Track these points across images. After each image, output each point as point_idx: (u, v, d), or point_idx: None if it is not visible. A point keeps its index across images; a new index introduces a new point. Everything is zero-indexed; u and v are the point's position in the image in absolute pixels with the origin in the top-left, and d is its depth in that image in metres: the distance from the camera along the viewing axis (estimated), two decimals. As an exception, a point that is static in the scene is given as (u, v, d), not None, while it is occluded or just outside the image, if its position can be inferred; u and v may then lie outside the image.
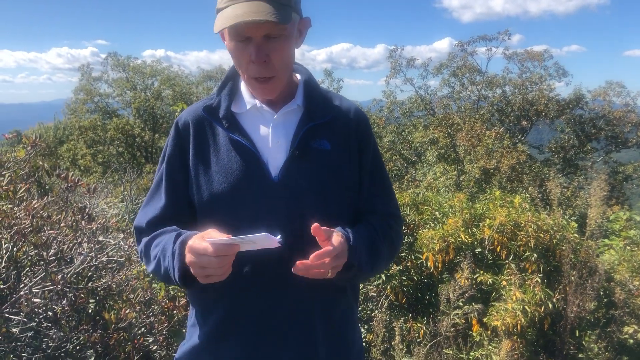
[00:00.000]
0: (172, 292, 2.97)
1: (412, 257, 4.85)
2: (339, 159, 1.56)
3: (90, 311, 2.67)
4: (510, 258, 4.51)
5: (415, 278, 4.79)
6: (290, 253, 1.39)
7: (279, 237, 1.26)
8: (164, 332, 2.78)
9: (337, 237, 1.37)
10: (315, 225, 1.32)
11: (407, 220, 5.22)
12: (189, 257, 1.33)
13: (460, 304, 4.10)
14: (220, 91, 1.61)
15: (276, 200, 1.48)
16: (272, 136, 1.54)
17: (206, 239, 1.28)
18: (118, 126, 26.24)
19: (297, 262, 1.31)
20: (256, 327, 1.51)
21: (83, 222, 2.76)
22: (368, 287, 4.61)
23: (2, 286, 2.44)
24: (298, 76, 1.66)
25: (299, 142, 1.52)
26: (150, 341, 2.76)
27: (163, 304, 2.83)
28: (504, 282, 4.24)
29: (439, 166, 15.11)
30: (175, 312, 2.83)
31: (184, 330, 2.96)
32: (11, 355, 2.27)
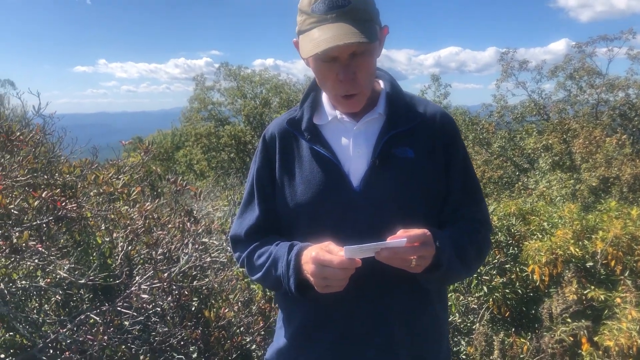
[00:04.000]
0: (268, 294, 3.07)
1: (517, 269, 4.63)
2: (423, 166, 1.53)
3: (193, 309, 2.82)
4: (626, 274, 4.18)
5: (519, 291, 4.57)
6: (371, 262, 1.39)
7: (404, 239, 1.29)
8: (261, 332, 2.88)
9: (421, 229, 1.35)
10: (401, 230, 1.32)
11: (512, 230, 5.00)
12: (310, 268, 1.38)
13: (569, 320, 3.86)
14: (303, 103, 1.65)
15: (358, 210, 1.49)
16: (352, 146, 1.55)
17: (343, 247, 1.32)
18: (231, 133, 27.53)
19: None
20: (339, 330, 1.53)
21: (189, 224, 2.93)
22: (469, 298, 4.47)
23: (117, 281, 2.65)
24: (381, 83, 1.65)
25: (380, 151, 1.51)
26: (247, 340, 2.87)
27: (260, 304, 2.93)
28: (618, 300, 3.92)
29: (554, 174, 14.27)
30: (271, 313, 2.92)
31: (279, 332, 3.06)
32: (122, 346, 2.46)
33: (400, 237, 1.31)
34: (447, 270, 1.44)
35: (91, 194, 2.91)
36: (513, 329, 4.43)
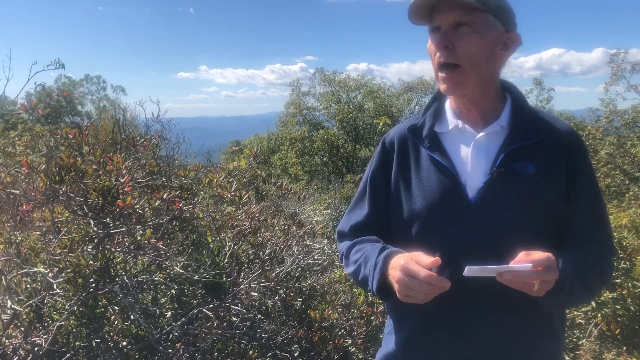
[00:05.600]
0: (370, 298, 3.12)
1: (629, 284, 4.36)
2: (544, 183, 1.48)
3: (297, 309, 2.92)
4: None
5: (632, 308, 4.30)
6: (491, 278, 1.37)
7: (529, 265, 1.28)
8: (362, 336, 2.93)
9: (545, 253, 1.32)
10: (522, 253, 1.31)
11: (624, 243, 4.71)
12: (397, 275, 1.39)
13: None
14: (426, 111, 1.66)
15: (471, 221, 1.48)
16: (472, 157, 1.54)
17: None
18: (324, 137, 27.91)
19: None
20: (450, 341, 1.53)
21: (294, 226, 3.04)
22: (575, 312, 4.27)
23: (228, 279, 2.80)
24: (506, 95, 1.62)
25: (500, 164, 1.48)
26: (349, 343, 2.93)
27: (362, 308, 2.98)
28: None
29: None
30: (372, 317, 2.96)
31: (381, 336, 3.08)
32: (232, 341, 2.60)
33: (524, 261, 1.29)
34: (569, 295, 1.39)
35: (206, 196, 3.10)
36: (624, 348, 4.18)
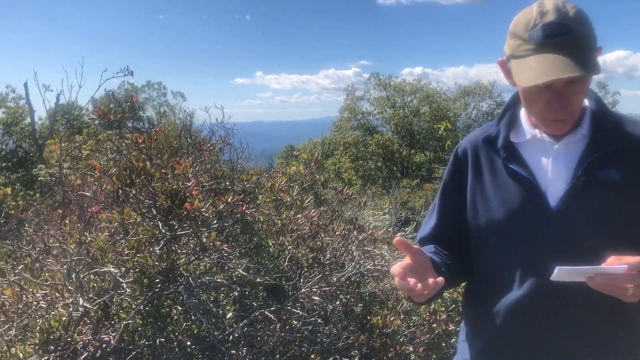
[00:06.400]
0: (433, 306, 3.08)
1: None
2: (628, 191, 1.42)
3: (357, 314, 2.91)
4: None
5: None
6: (563, 282, 1.34)
7: (625, 266, 1.23)
8: (425, 343, 2.89)
9: (638, 257, 1.26)
10: (612, 257, 1.27)
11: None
12: (397, 281, 1.39)
13: None
14: (500, 120, 1.62)
15: (552, 230, 1.44)
16: (552, 166, 1.49)
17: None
18: (379, 142, 27.85)
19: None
20: (531, 349, 1.49)
21: (355, 231, 3.04)
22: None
23: (289, 283, 2.82)
24: (586, 102, 1.56)
25: (582, 173, 1.44)
26: (410, 350, 2.90)
27: (424, 316, 2.94)
28: None
29: None
30: (434, 325, 2.92)
31: (443, 344, 3.04)
32: (293, 345, 2.62)
33: (617, 264, 1.24)
34: None
35: (266, 200, 3.14)
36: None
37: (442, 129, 4.51)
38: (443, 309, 3.06)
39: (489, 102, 30.27)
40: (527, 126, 1.57)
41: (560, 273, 1.26)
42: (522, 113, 1.60)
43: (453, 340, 2.97)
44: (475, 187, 1.60)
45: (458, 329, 3.05)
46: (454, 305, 3.13)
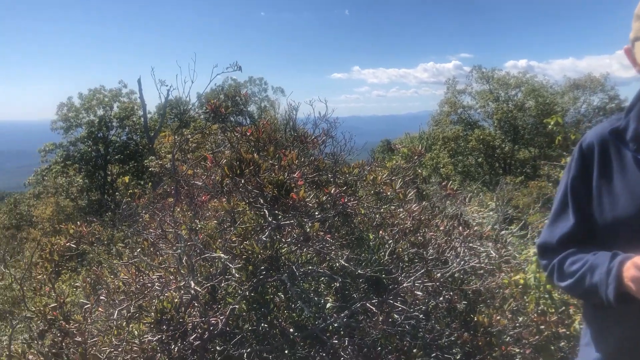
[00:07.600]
0: (542, 307, 2.95)
1: None
2: None
3: (460, 311, 2.85)
4: None
5: None
6: None
7: None
8: (532, 345, 2.78)
9: None
10: None
11: None
12: (631, 273, 1.33)
13: None
14: (629, 112, 1.55)
15: None
16: None
17: None
18: (479, 137, 26.99)
19: None
20: None
21: (460, 227, 2.97)
22: None
23: (390, 276, 2.82)
24: None
25: None
26: (516, 351, 2.80)
27: (532, 316, 2.83)
28: None
29: None
30: (543, 327, 2.80)
31: (552, 347, 2.90)
32: (395, 338, 2.62)
33: None
34: None
35: (367, 192, 3.15)
36: None
37: (552, 123, 4.28)
38: (553, 310, 2.91)
39: (600, 96, 28.36)
40: None
41: None
42: None
43: (562, 344, 2.82)
44: (601, 183, 1.53)
45: (568, 332, 2.91)
46: (563, 307, 2.97)
